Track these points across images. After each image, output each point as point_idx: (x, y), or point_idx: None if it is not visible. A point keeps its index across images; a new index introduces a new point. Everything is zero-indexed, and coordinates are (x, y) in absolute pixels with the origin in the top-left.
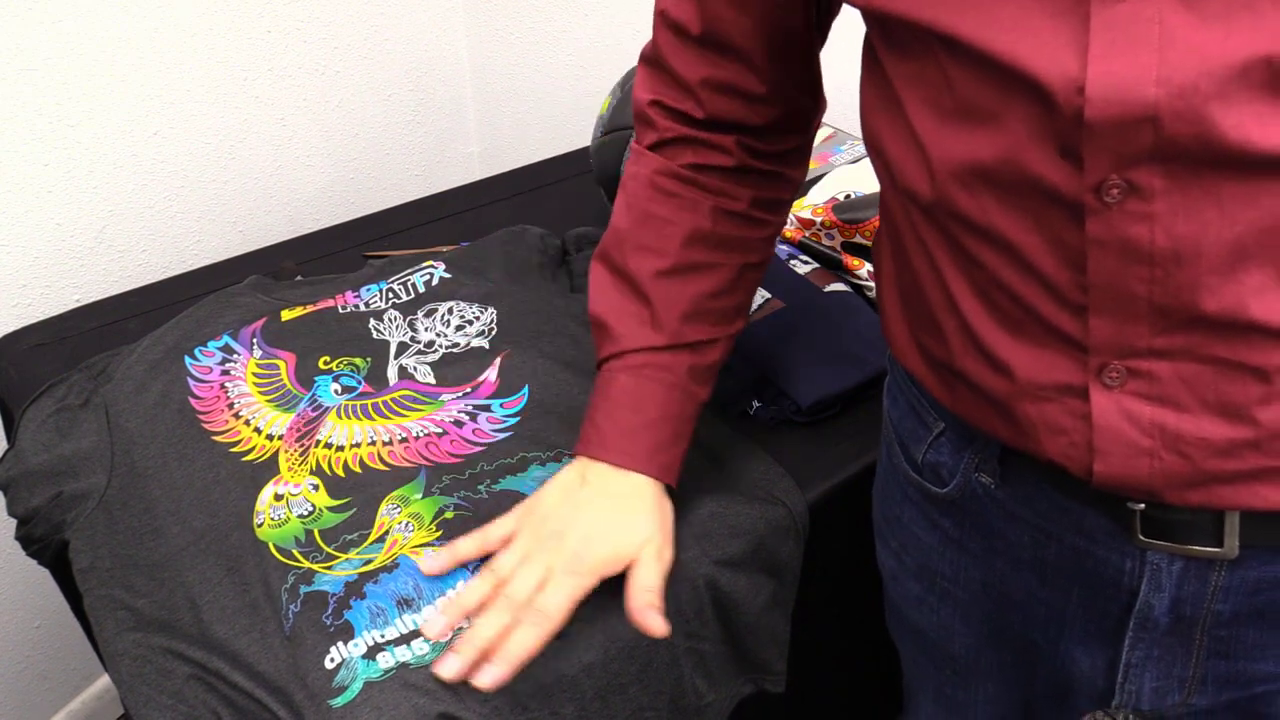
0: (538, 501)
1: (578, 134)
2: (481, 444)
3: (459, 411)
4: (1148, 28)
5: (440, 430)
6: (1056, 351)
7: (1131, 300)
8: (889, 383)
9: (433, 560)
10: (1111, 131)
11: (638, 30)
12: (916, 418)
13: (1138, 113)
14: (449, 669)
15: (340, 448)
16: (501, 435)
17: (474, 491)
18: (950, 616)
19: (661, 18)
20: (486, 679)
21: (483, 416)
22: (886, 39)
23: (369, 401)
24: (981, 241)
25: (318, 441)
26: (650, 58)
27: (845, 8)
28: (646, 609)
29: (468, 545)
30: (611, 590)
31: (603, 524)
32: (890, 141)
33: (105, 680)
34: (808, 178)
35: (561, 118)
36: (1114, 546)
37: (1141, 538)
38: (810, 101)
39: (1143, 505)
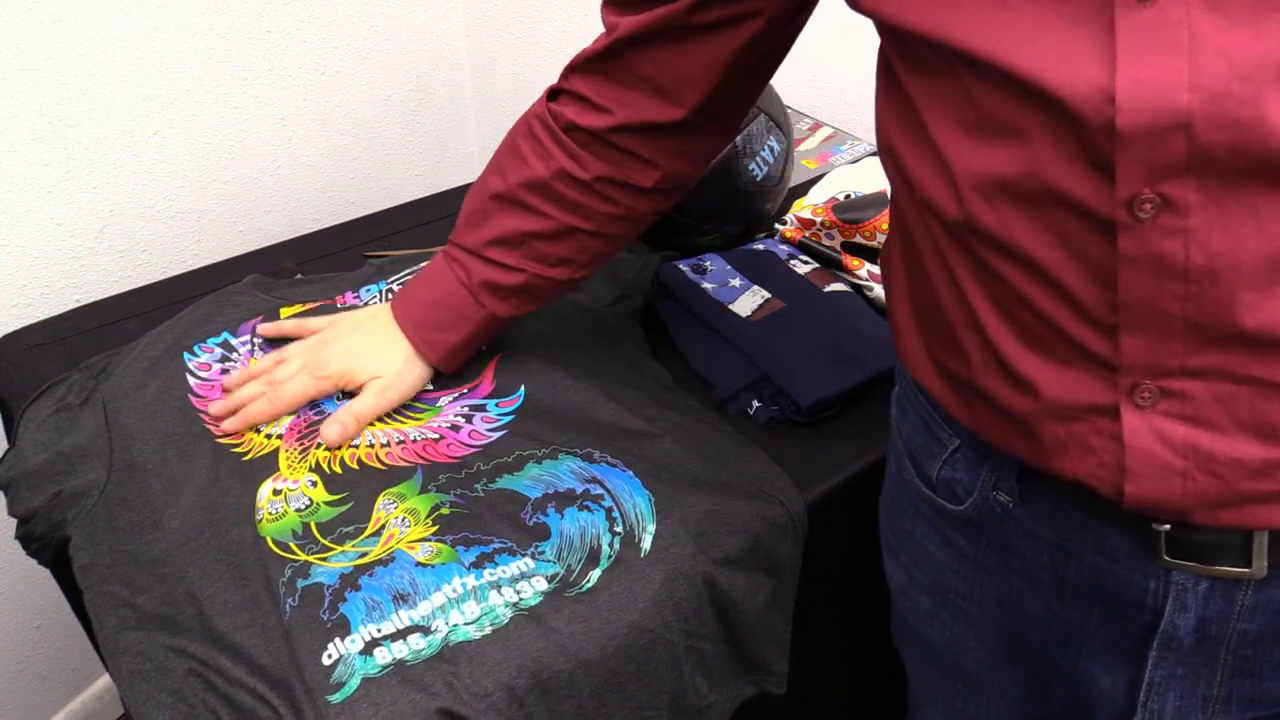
0: (340, 317)
1: None
2: (478, 445)
3: (455, 415)
4: (1177, 32)
5: (438, 436)
6: (1084, 371)
7: (1165, 318)
8: (897, 395)
9: (266, 326)
10: (1144, 141)
11: None
12: (929, 433)
13: (1170, 120)
14: (215, 408)
15: (339, 446)
16: (497, 434)
17: (470, 490)
18: (964, 633)
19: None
20: (227, 423)
21: (478, 417)
22: (903, 54)
23: None
24: (1005, 258)
25: (318, 443)
26: (605, 22)
27: (843, 10)
28: (335, 421)
29: (289, 324)
30: (612, 589)
31: (355, 349)
32: (910, 156)
33: (105, 680)
34: (808, 178)
35: None
36: (1136, 566)
37: (1167, 558)
38: (727, 124)
39: (1168, 526)
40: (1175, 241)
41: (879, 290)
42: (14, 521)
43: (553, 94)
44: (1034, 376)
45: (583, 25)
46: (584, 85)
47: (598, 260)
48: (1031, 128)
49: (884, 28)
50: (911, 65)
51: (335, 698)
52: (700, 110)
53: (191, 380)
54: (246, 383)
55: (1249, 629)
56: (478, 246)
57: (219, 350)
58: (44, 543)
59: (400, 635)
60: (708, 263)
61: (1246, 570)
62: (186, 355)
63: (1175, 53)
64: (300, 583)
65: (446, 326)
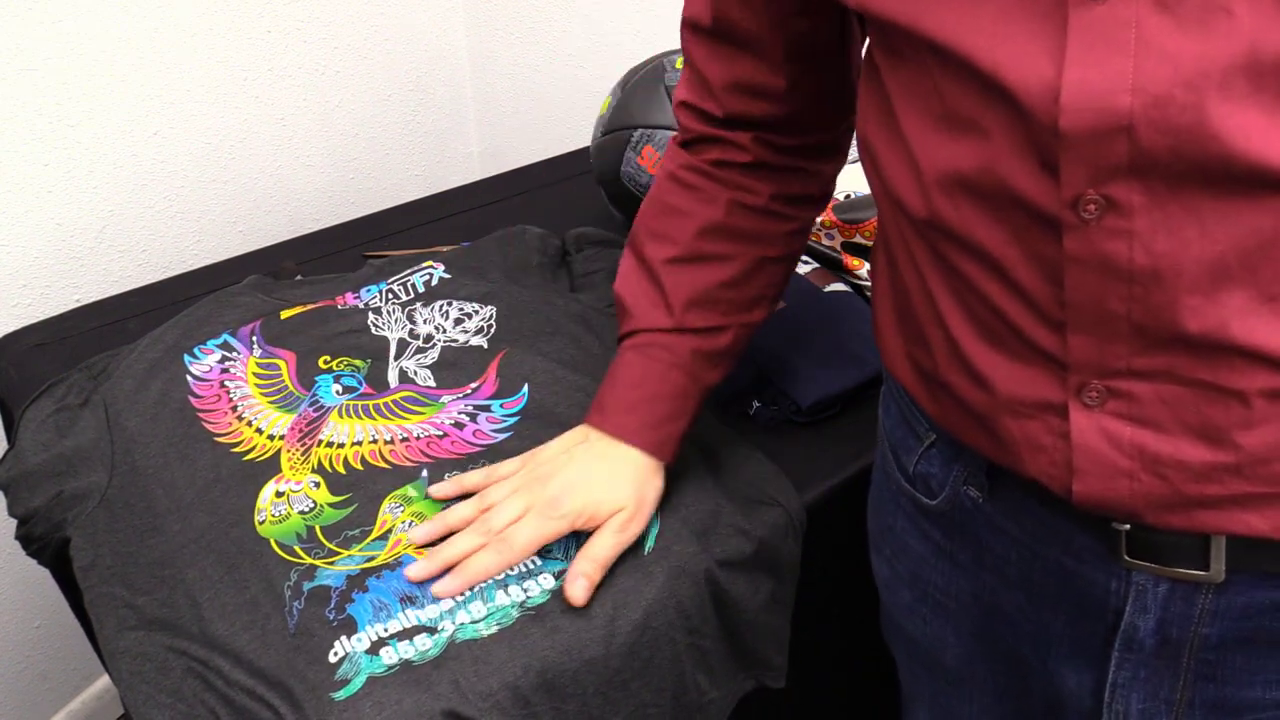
0: (541, 449)
1: (578, 134)
2: (482, 445)
3: (459, 413)
4: (1124, 32)
5: (441, 433)
6: (1037, 368)
7: (1111, 319)
8: (883, 391)
9: (439, 486)
10: (1087, 142)
11: (638, 30)
12: (908, 428)
13: (1112, 122)
14: (416, 570)
15: (341, 445)
16: (502, 436)
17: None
18: (942, 627)
19: (684, 18)
20: (441, 585)
21: (482, 417)
22: (883, 46)
23: (370, 402)
24: (963, 253)
25: (320, 441)
26: (685, 59)
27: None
28: (578, 576)
29: (475, 476)
30: (616, 587)
31: (585, 479)
32: (883, 150)
33: (105, 680)
34: None
35: (561, 118)
36: (1100, 566)
37: (1127, 558)
38: (836, 107)
39: (1128, 525)
40: (1120, 243)
41: None
42: (14, 522)
43: (684, 144)
44: (990, 372)
45: (583, 25)
46: (695, 119)
47: (784, 285)
48: (991, 123)
49: (866, 18)
50: (889, 57)
51: (339, 695)
52: (794, 83)
53: (191, 382)
54: (450, 530)
55: (1210, 634)
56: (678, 319)
57: (219, 352)
58: (44, 543)
59: (407, 635)
60: None
61: (1204, 574)
62: (187, 358)
63: (1121, 54)
64: (306, 585)
65: (673, 417)
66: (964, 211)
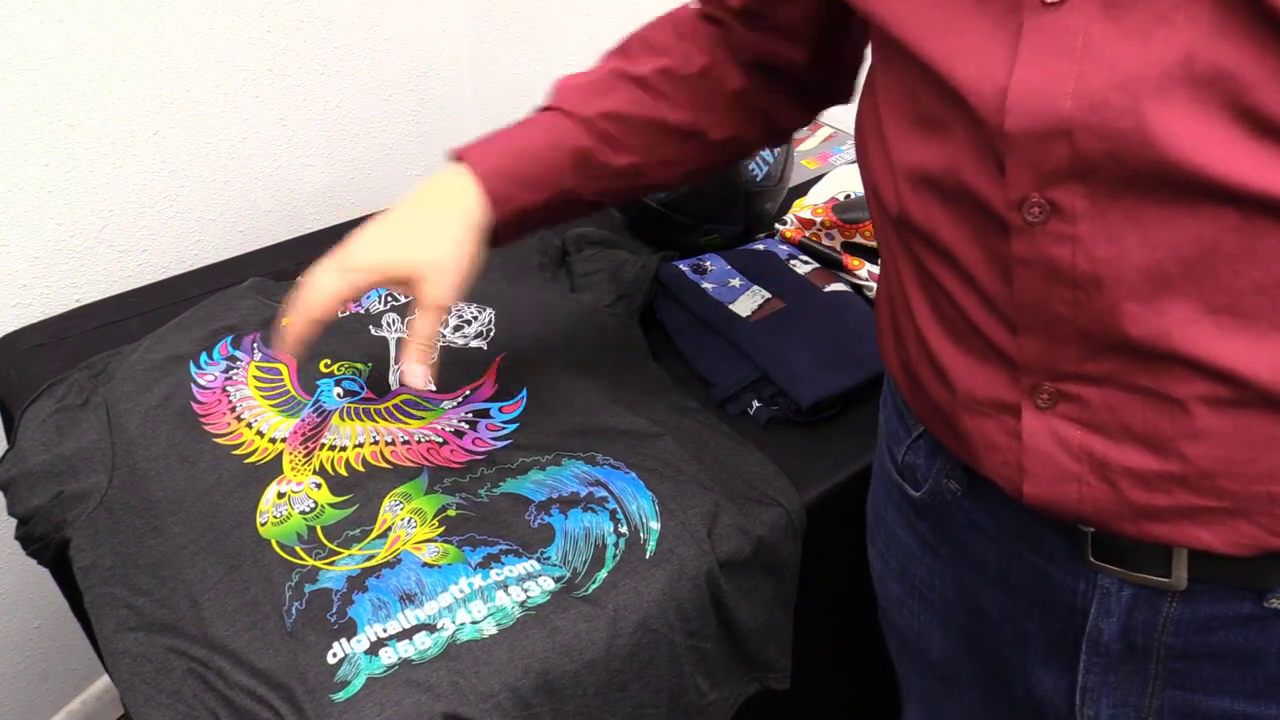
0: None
1: None
2: (481, 452)
3: (459, 420)
4: (1072, 39)
5: (441, 439)
6: (994, 367)
7: (1058, 322)
8: (884, 382)
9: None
10: (1030, 144)
11: None
12: (899, 419)
13: (1053, 125)
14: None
15: (343, 448)
16: (501, 444)
17: (475, 495)
18: (929, 623)
19: None
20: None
21: (482, 424)
22: (877, 45)
23: (371, 406)
24: (929, 250)
25: (322, 444)
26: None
27: None
28: (411, 362)
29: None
30: (617, 589)
31: (398, 230)
32: (870, 147)
33: (105, 680)
34: (808, 178)
35: None
36: (1069, 568)
37: (1092, 560)
38: (841, 78)
39: (1092, 529)
40: (1063, 247)
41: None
42: (14, 521)
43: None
44: (952, 368)
45: (583, 25)
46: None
47: (687, 177)
48: (953, 124)
49: (859, 12)
50: (881, 56)
51: (339, 696)
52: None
53: (195, 390)
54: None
55: (1175, 643)
56: (588, 113)
57: (224, 363)
58: (44, 543)
59: (406, 635)
60: (708, 263)
61: (1167, 580)
62: (192, 365)
63: (1067, 59)
64: (308, 587)
65: (532, 186)
66: (930, 210)
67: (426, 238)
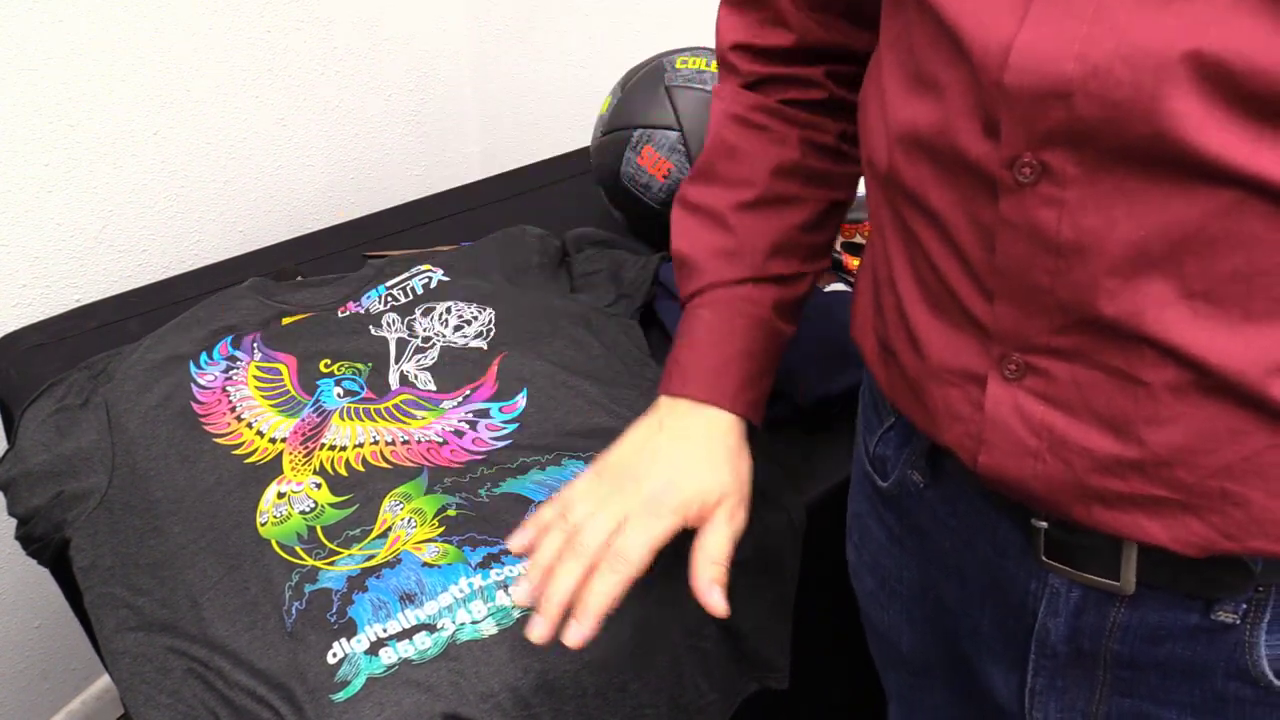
0: (610, 452)
1: (578, 134)
2: (480, 453)
3: (459, 420)
4: (1084, 2)
5: (441, 440)
6: (967, 335)
7: (1035, 291)
8: (863, 378)
9: (519, 537)
10: (1027, 103)
11: (638, 31)
12: (874, 408)
13: (1052, 87)
14: (537, 633)
15: (344, 448)
16: (501, 444)
17: (475, 495)
18: (898, 615)
19: None
20: (573, 637)
21: (482, 424)
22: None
23: (371, 406)
24: (916, 212)
25: (322, 444)
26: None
27: None
28: (711, 585)
29: (549, 510)
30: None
31: (682, 467)
32: (869, 106)
33: (105, 680)
34: None
35: (561, 118)
36: (1022, 565)
37: (1043, 558)
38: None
39: (1045, 524)
40: (1050, 211)
41: None
42: (14, 521)
43: (749, 86)
44: (927, 337)
45: (583, 25)
46: (757, 60)
47: (836, 237)
48: (949, 82)
49: None
50: (887, 9)
51: (339, 696)
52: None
53: (195, 390)
54: (556, 556)
55: (1122, 651)
56: (758, 269)
57: (224, 363)
58: (44, 543)
59: (406, 635)
60: None
61: (1115, 583)
62: (192, 366)
63: (1078, 20)
64: (308, 588)
65: (763, 374)
66: (919, 169)
67: (714, 466)
